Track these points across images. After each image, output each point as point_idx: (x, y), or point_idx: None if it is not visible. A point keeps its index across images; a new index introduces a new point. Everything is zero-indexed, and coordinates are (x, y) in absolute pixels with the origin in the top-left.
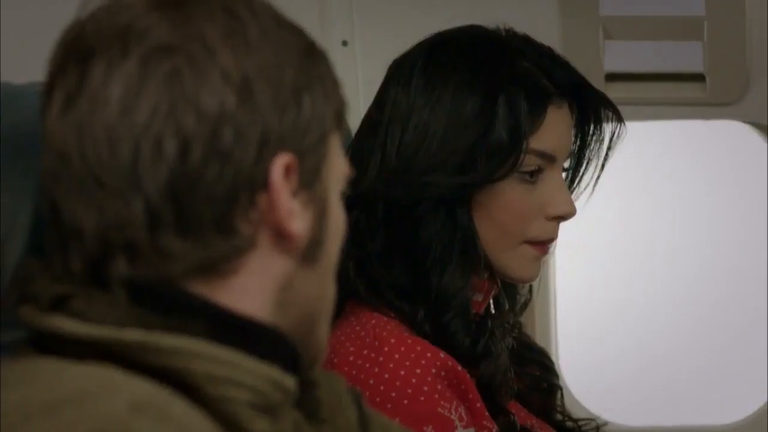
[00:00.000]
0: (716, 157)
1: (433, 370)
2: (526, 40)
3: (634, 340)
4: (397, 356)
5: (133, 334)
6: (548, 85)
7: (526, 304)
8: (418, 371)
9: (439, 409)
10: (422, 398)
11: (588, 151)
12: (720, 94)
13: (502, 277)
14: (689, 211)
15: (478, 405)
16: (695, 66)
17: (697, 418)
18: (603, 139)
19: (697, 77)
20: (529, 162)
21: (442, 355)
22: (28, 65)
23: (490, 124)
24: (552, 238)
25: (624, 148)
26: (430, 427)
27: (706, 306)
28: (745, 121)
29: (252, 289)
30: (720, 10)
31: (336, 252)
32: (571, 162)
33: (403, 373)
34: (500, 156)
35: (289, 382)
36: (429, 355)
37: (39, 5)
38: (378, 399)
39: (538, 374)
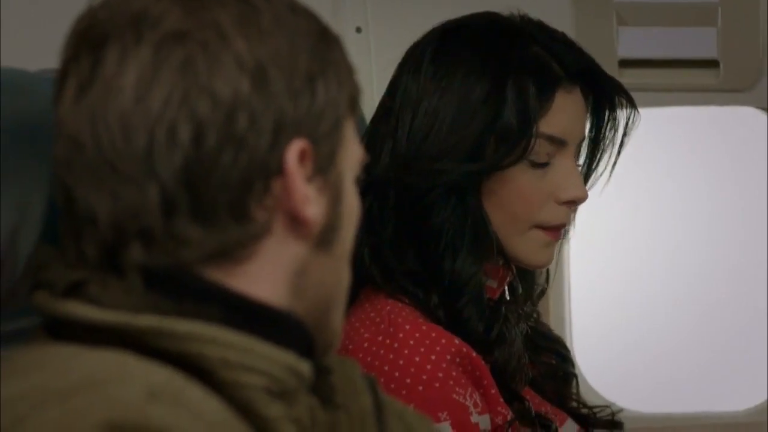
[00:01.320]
0: (730, 143)
1: (448, 357)
2: (540, 26)
3: (647, 329)
4: (411, 342)
5: (148, 320)
6: (557, 70)
7: (542, 293)
8: (433, 357)
9: (454, 396)
10: (437, 384)
11: (603, 137)
12: (733, 80)
13: (516, 262)
14: (703, 196)
15: (493, 391)
16: (709, 52)
17: (709, 405)
18: (618, 126)
19: (711, 63)
20: (539, 147)
21: (456, 341)
22: (37, 53)
23: (499, 110)
24: (563, 223)
25: (637, 135)
26: (445, 413)
27: (712, 302)
28: (758, 107)
29: (267, 274)
30: None
31: (351, 238)
32: (587, 149)
33: (417, 359)
34: (510, 141)
35: (304, 367)
36: (444, 341)
37: None
38: (393, 385)
39: (553, 362)
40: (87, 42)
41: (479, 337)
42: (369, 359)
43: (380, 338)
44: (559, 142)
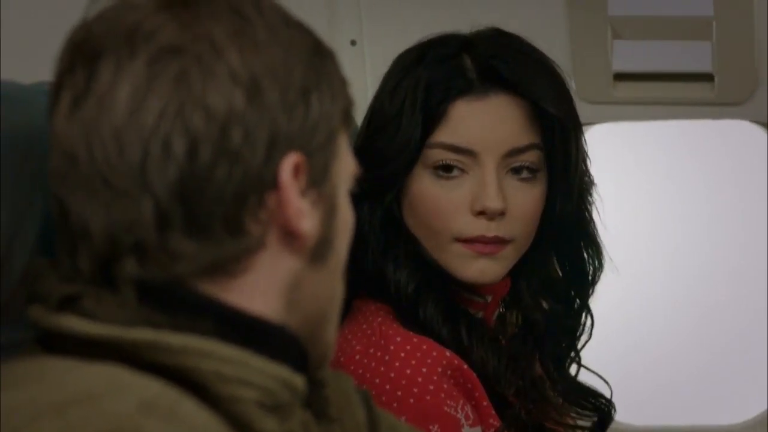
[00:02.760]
0: (724, 157)
1: (439, 369)
2: (486, 36)
3: (643, 339)
4: (403, 354)
5: (142, 333)
6: (461, 80)
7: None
8: (424, 370)
9: (446, 408)
10: (428, 397)
11: (552, 147)
12: (728, 94)
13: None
14: (697, 210)
15: (485, 404)
16: (704, 66)
17: (701, 418)
18: (566, 133)
19: (706, 77)
20: (439, 156)
21: (447, 353)
22: (33, 65)
23: (396, 122)
24: (480, 235)
25: (633, 148)
26: (437, 426)
27: (711, 306)
28: (753, 121)
29: (261, 288)
30: (728, 10)
31: (344, 251)
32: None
33: (409, 371)
34: (397, 152)
35: (298, 381)
36: (435, 353)
37: (43, 5)
38: (384, 398)
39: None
40: (82, 55)
41: (447, 341)
42: (360, 371)
43: (371, 350)
44: (466, 152)
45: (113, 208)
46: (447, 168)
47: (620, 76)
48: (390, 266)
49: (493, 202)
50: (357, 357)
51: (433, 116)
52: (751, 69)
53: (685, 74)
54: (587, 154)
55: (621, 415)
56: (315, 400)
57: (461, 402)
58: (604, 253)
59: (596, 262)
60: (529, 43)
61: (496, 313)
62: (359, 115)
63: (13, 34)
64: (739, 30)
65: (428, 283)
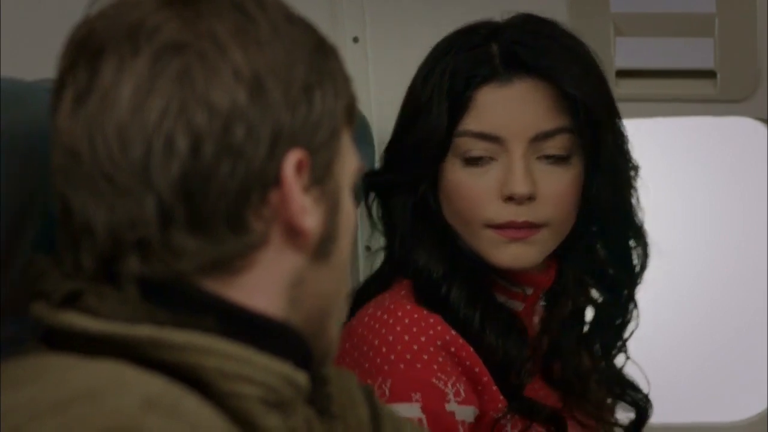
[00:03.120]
0: (726, 154)
1: (439, 342)
2: (513, 23)
3: (644, 336)
4: (407, 321)
5: (144, 330)
6: (484, 68)
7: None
8: (423, 339)
9: (434, 380)
10: (419, 365)
11: (581, 130)
12: (731, 91)
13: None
14: (698, 207)
15: (494, 388)
16: (706, 63)
17: (702, 415)
18: (595, 116)
19: (708, 74)
20: (469, 145)
21: (452, 332)
22: (35, 62)
23: (426, 111)
24: (510, 221)
25: (634, 145)
26: (419, 395)
27: (712, 304)
28: (755, 118)
29: (264, 285)
30: (730, 6)
31: (348, 247)
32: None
33: (407, 338)
34: (427, 141)
35: (301, 378)
36: (439, 328)
37: (44, 2)
38: (378, 360)
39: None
40: (84, 52)
41: (462, 324)
42: (365, 332)
43: (379, 313)
44: (493, 139)
45: (116, 206)
46: (477, 157)
47: (622, 73)
48: (421, 254)
49: (519, 187)
50: (366, 319)
51: (459, 104)
52: (753, 66)
53: (687, 71)
54: (627, 139)
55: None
56: (318, 397)
57: (454, 378)
58: (649, 240)
59: (642, 251)
60: (563, 28)
61: (538, 305)
62: (362, 112)
63: (14, 31)
64: (742, 27)
65: (457, 269)
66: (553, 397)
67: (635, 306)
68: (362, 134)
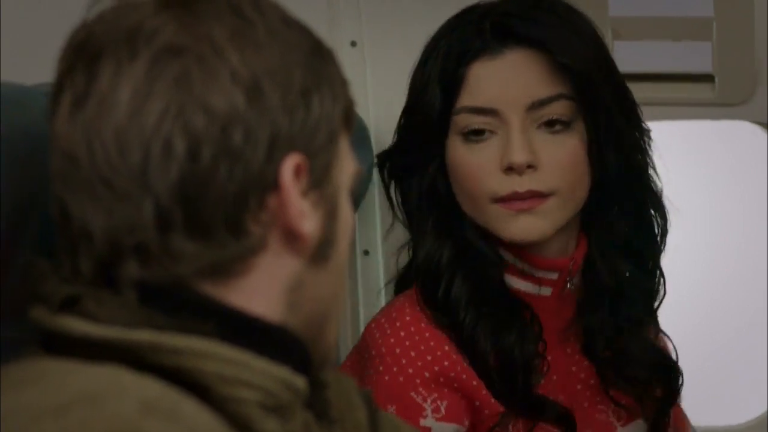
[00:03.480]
0: (725, 158)
1: (429, 357)
2: (502, 1)
3: None
4: (402, 333)
5: (143, 335)
6: (474, 43)
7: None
8: (413, 353)
9: (412, 394)
10: (401, 378)
11: (582, 97)
12: (729, 95)
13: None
14: (696, 211)
15: (492, 401)
16: (704, 66)
17: (701, 419)
18: (591, 81)
19: (706, 77)
20: (466, 120)
21: (446, 348)
22: (34, 67)
23: (423, 94)
24: (513, 192)
25: None
26: (394, 407)
27: (711, 307)
28: (753, 122)
29: (262, 289)
30: (728, 10)
31: (346, 251)
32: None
33: (398, 350)
34: (426, 122)
35: (300, 382)
36: (432, 344)
37: (43, 6)
38: (370, 368)
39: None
40: (82, 56)
41: (462, 329)
42: (368, 338)
43: (383, 320)
44: (489, 112)
45: (114, 210)
46: (476, 132)
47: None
48: (429, 239)
49: (517, 156)
50: (372, 325)
51: (453, 83)
52: (751, 69)
53: (685, 75)
54: (631, 103)
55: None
56: (316, 401)
57: (436, 395)
58: (667, 204)
59: (660, 218)
60: (560, 2)
61: (571, 286)
62: (360, 116)
63: (13, 35)
64: (740, 30)
65: (464, 256)
66: (566, 392)
67: (662, 275)
68: (360, 138)
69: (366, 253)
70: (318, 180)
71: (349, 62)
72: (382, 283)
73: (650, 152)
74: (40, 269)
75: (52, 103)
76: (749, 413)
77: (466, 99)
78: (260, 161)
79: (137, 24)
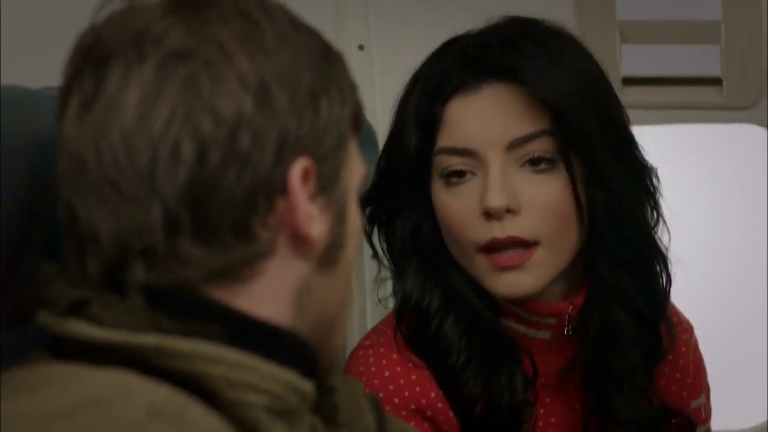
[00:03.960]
0: (733, 161)
1: (412, 406)
2: (483, 29)
3: None
4: (387, 374)
5: (150, 339)
6: (451, 79)
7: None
8: (396, 400)
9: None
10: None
11: (566, 128)
12: (737, 98)
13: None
14: (704, 214)
15: None
16: (712, 70)
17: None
18: (572, 114)
19: (714, 81)
20: (445, 162)
21: (432, 395)
22: (39, 70)
23: (401, 135)
24: (493, 238)
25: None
26: None
27: (715, 313)
28: (762, 125)
29: (270, 293)
30: (737, 13)
31: (354, 255)
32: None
33: (381, 395)
34: (405, 164)
35: (307, 386)
36: (417, 389)
37: (50, 9)
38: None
39: None
40: (90, 59)
41: (452, 372)
42: (353, 369)
43: (370, 352)
44: (467, 153)
45: (122, 213)
46: (457, 174)
47: (628, 80)
48: (416, 286)
49: (493, 200)
50: (360, 353)
51: (430, 122)
52: (760, 73)
53: (693, 78)
54: (629, 138)
55: None
56: (324, 406)
57: (413, 424)
58: (668, 254)
59: (663, 268)
60: (547, 26)
61: (566, 330)
62: (367, 120)
63: (19, 38)
64: (748, 34)
65: (453, 303)
66: (567, 430)
67: (660, 335)
68: (368, 141)
69: (374, 256)
70: (326, 184)
71: (356, 65)
72: (390, 288)
73: (653, 193)
74: (46, 273)
75: (60, 106)
76: (749, 418)
77: (443, 139)
78: (268, 165)
79: (145, 27)
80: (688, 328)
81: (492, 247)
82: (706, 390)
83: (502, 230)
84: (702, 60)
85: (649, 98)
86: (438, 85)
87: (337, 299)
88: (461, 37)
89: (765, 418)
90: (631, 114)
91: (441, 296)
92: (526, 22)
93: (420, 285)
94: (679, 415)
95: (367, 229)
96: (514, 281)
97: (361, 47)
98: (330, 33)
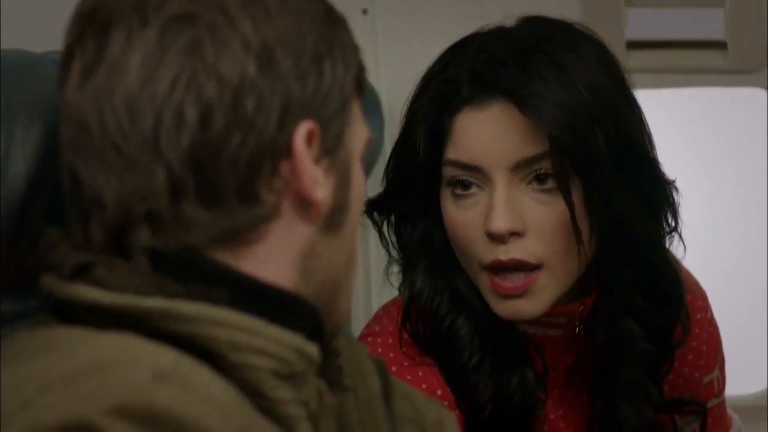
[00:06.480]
0: (737, 125)
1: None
2: (495, 36)
3: None
4: (394, 369)
5: (155, 302)
6: (461, 91)
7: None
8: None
9: None
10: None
11: (572, 146)
12: (741, 62)
13: None
14: (709, 177)
15: None
16: (717, 33)
17: None
18: (570, 139)
19: (719, 45)
20: (451, 172)
21: (439, 393)
22: (41, 34)
23: (410, 142)
24: (496, 259)
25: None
26: None
27: (719, 280)
28: (765, 89)
29: (275, 257)
30: None
31: (358, 218)
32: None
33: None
34: (412, 171)
35: (312, 350)
36: (424, 386)
37: None
38: None
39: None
40: (92, 24)
41: (462, 370)
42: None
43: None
44: (473, 169)
45: (126, 178)
46: (463, 185)
47: (633, 44)
48: (425, 286)
49: (497, 225)
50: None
51: (439, 132)
52: (764, 37)
53: (698, 42)
54: (641, 151)
55: None
56: (329, 369)
57: None
58: (678, 269)
59: (670, 282)
60: (564, 36)
61: (576, 330)
62: (370, 84)
63: (21, 2)
64: None
65: (465, 303)
66: (574, 426)
67: (673, 349)
68: (372, 106)
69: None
70: (330, 147)
71: (360, 30)
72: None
73: (669, 209)
74: (50, 237)
75: (63, 71)
76: (750, 385)
77: (451, 151)
78: (272, 129)
79: None
80: (703, 306)
81: (495, 267)
82: (720, 362)
83: (506, 253)
84: (706, 24)
85: (654, 62)
86: (448, 93)
87: (341, 263)
88: (473, 38)
89: (765, 385)
90: (635, 78)
91: (451, 297)
92: (542, 31)
93: (429, 286)
94: (689, 403)
95: (378, 222)
96: (517, 307)
97: (364, 11)
98: None
